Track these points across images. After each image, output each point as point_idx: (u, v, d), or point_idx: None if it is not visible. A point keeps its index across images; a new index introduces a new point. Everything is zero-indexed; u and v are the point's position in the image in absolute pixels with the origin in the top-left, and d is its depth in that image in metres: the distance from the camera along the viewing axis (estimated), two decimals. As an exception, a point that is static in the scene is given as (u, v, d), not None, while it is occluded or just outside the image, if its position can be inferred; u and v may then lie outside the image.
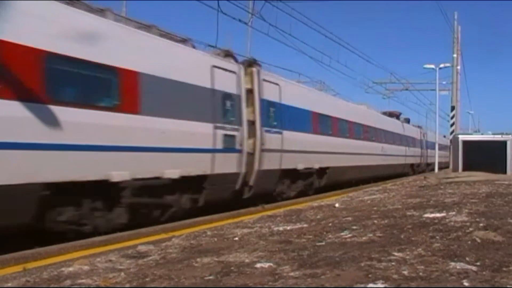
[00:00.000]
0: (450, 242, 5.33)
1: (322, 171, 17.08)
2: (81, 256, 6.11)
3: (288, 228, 7.21)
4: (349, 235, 6.09)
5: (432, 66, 33.69)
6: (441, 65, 33.44)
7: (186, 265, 4.82)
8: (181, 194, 10.53)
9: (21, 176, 7.21)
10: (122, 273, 4.59)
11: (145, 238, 7.74)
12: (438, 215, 7.43)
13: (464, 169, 17.60)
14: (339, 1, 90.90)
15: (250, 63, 13.48)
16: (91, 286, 4.24)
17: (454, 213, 7.52)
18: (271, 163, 13.62)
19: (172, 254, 5.61)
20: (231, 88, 12.16)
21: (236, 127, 12.09)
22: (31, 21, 7.59)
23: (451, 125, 32.54)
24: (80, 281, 4.41)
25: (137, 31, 9.80)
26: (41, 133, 7.44)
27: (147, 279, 4.31)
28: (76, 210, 8.22)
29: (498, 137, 17.92)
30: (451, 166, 21.75)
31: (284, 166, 14.36)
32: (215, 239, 6.59)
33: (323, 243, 5.65)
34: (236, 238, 6.53)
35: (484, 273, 4.04)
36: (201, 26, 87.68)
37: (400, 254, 4.78)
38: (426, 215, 7.46)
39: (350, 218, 7.78)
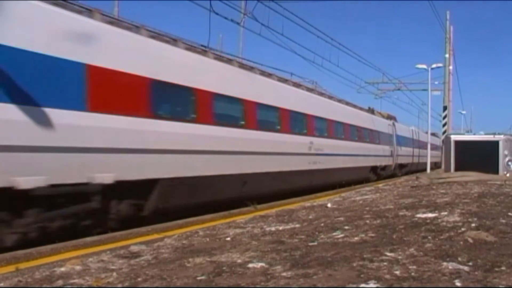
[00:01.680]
0: (442, 242, 5.35)
1: (406, 165, 34.76)
2: (73, 256, 6.09)
3: (280, 228, 7.20)
4: (341, 235, 6.10)
5: (424, 66, 33.71)
6: (433, 65, 33.47)
7: (178, 265, 4.82)
8: (384, 170, 28.23)
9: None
10: (114, 273, 4.58)
11: (137, 238, 7.74)
12: (430, 215, 7.44)
13: (456, 169, 17.53)
14: (331, 1, 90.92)
15: (391, 118, 32.11)
16: (83, 286, 4.22)
17: (446, 213, 7.53)
18: (398, 160, 31.40)
19: (164, 254, 5.60)
20: (391, 131, 30.22)
21: (392, 145, 29.82)
22: None
23: (443, 125, 32.74)
24: (72, 281, 4.39)
25: (367, 114, 27.64)
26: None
27: (139, 279, 4.30)
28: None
29: (490, 137, 17.85)
30: (443, 166, 21.78)
31: (400, 162, 32.24)
32: (207, 239, 6.59)
33: (315, 243, 5.66)
34: (228, 238, 6.53)
35: (476, 273, 4.05)
36: (192, 26, 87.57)
37: (392, 254, 4.79)
38: (418, 215, 7.46)
39: (342, 218, 7.79)
